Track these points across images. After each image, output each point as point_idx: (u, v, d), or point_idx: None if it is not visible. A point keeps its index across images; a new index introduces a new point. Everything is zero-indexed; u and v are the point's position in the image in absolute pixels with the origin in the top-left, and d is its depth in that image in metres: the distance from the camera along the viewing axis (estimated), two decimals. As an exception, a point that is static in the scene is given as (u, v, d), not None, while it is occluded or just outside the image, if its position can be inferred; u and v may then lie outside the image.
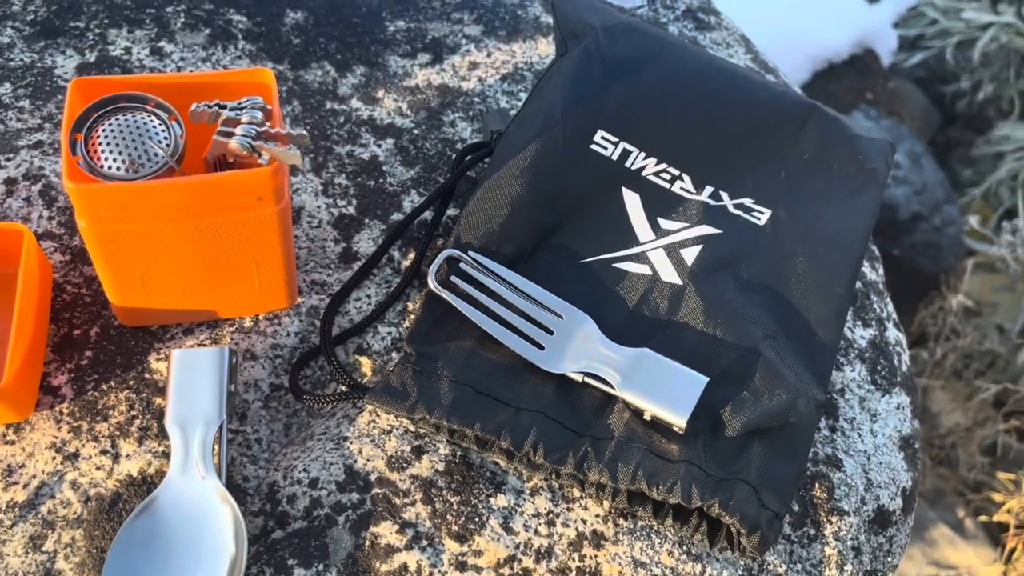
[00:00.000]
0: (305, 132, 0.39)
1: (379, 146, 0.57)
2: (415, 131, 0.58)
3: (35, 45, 0.57)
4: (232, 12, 0.61)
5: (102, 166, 0.40)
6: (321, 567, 0.43)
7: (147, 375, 0.47)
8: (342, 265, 0.52)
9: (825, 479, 0.50)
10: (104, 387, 0.46)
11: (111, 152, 0.40)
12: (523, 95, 0.61)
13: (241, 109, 0.39)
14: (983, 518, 1.17)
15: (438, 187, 0.54)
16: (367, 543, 0.44)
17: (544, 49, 0.64)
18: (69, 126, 0.39)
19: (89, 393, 0.46)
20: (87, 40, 0.58)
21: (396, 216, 0.54)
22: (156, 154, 0.40)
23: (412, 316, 0.51)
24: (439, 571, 0.43)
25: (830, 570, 0.49)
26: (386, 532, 0.44)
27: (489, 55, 0.63)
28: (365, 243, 0.53)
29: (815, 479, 0.50)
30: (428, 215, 0.54)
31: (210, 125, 0.41)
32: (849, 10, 1.46)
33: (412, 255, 0.53)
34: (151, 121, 0.40)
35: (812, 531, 0.49)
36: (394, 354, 0.50)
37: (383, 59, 0.61)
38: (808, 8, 1.39)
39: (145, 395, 0.46)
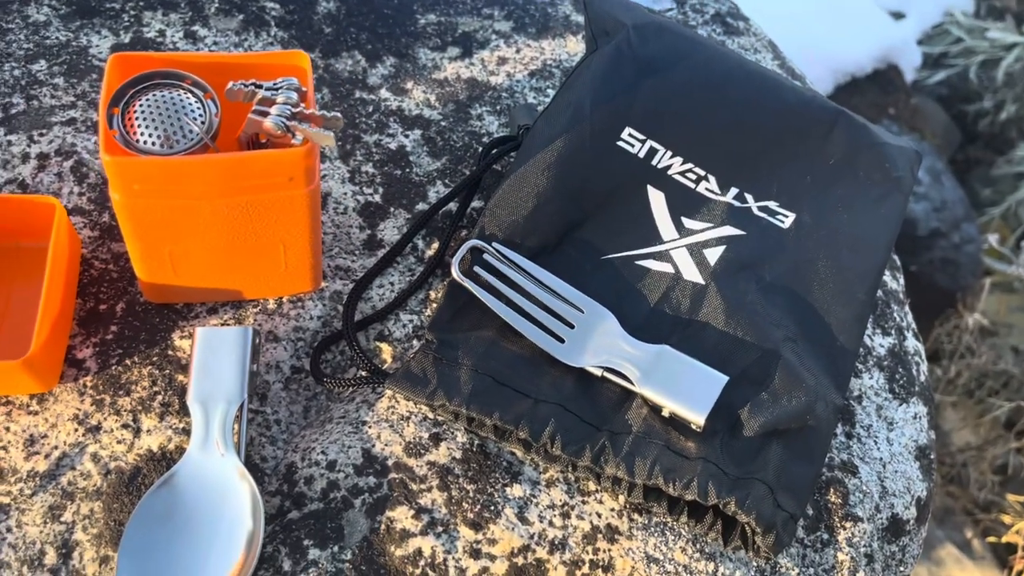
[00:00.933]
0: (339, 115, 0.40)
1: (406, 136, 0.57)
2: (442, 123, 0.58)
3: (71, 24, 0.58)
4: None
5: (138, 140, 0.40)
6: (336, 548, 0.43)
7: (170, 352, 0.47)
8: (366, 252, 0.52)
9: (840, 484, 0.50)
10: (128, 362, 0.47)
11: (147, 127, 0.40)
12: (551, 92, 0.61)
13: (277, 89, 0.40)
14: (991, 539, 1.16)
15: (464, 179, 0.54)
16: (383, 527, 0.44)
17: (573, 47, 0.64)
18: (107, 100, 0.40)
19: (113, 367, 0.47)
20: (122, 21, 0.59)
21: (421, 206, 0.55)
22: (191, 131, 0.40)
23: (434, 305, 0.51)
24: (453, 558, 0.43)
25: (842, 576, 0.48)
26: (402, 517, 0.44)
27: (518, 51, 0.63)
28: (390, 231, 0.53)
29: (830, 484, 0.50)
30: (453, 206, 0.54)
31: (245, 104, 0.41)
32: (874, 25, 1.46)
33: (436, 245, 0.53)
34: (187, 98, 0.41)
35: (825, 536, 0.49)
36: (415, 342, 0.50)
37: (413, 51, 0.62)
38: (833, 20, 1.39)
39: (168, 371, 0.47)
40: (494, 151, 0.55)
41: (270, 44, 0.60)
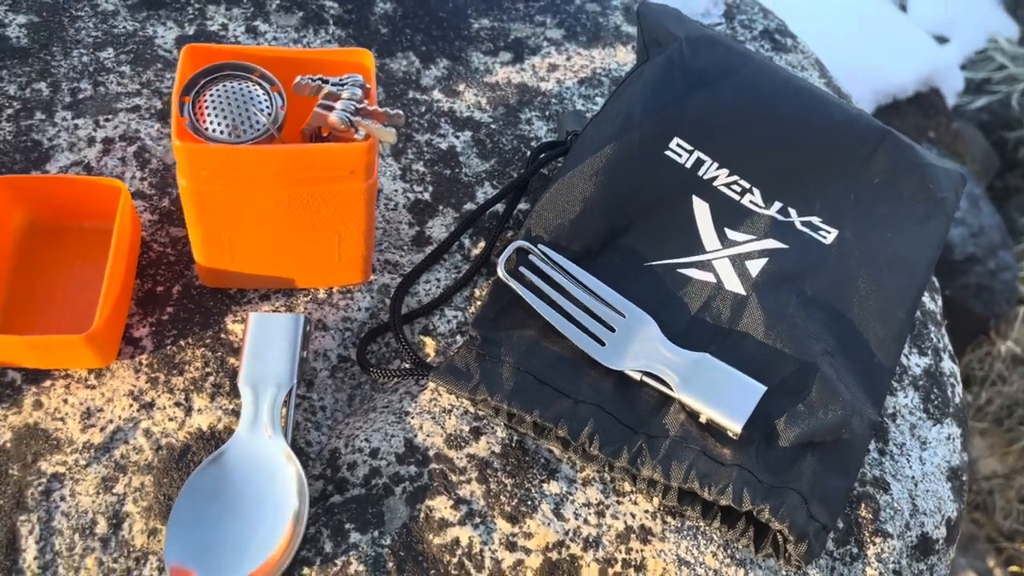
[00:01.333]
0: (401, 112, 0.41)
1: (457, 137, 0.58)
2: (492, 126, 0.60)
3: (138, 15, 0.60)
4: (325, -2, 0.63)
5: (207, 128, 0.42)
6: (376, 534, 0.44)
7: (223, 335, 0.49)
8: (414, 248, 0.54)
9: (871, 500, 0.51)
10: (182, 343, 0.48)
11: (216, 116, 0.42)
12: (599, 99, 0.62)
13: (342, 85, 0.41)
14: (1014, 568, 1.15)
15: (512, 181, 0.55)
16: (422, 515, 0.45)
17: (623, 57, 0.65)
18: (180, 89, 0.41)
19: (168, 347, 0.48)
20: (187, 14, 0.61)
21: (469, 206, 0.56)
22: (258, 121, 0.42)
23: (478, 302, 0.52)
24: (489, 549, 0.44)
25: (870, 591, 0.49)
26: (441, 506, 0.45)
27: (568, 58, 0.64)
28: (438, 229, 0.55)
29: (861, 499, 0.51)
30: (500, 207, 0.56)
31: (310, 99, 0.42)
32: (918, 48, 1.45)
33: (482, 244, 0.54)
34: (255, 90, 0.42)
35: (855, 550, 0.49)
36: (458, 337, 0.51)
37: (466, 54, 0.63)
38: (877, 41, 1.39)
39: (220, 354, 0.48)
40: (542, 155, 0.56)
41: (328, 42, 0.61)
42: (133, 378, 0.47)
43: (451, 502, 0.45)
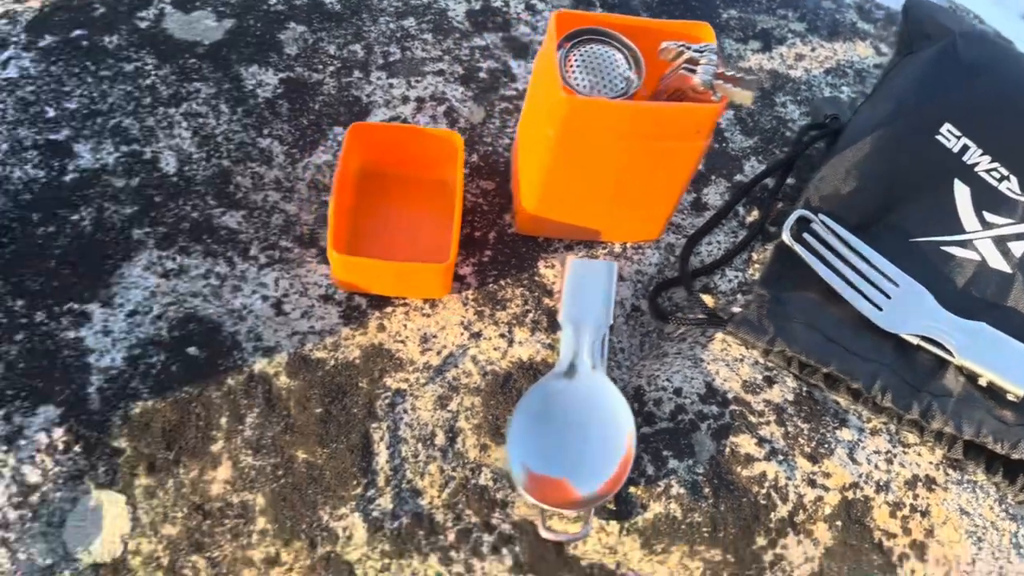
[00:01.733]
0: (758, 76, 0.45)
1: (722, 116, 0.63)
2: (752, 107, 0.64)
3: (429, -11, 0.66)
4: (591, -17, 0.68)
5: (573, 86, 0.46)
6: (691, 462, 0.48)
7: (536, 278, 0.54)
8: (693, 212, 0.58)
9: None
10: (501, 282, 0.53)
11: (581, 75, 0.46)
12: (845, 88, 0.66)
13: (701, 52, 0.46)
14: None
15: (781, 158, 0.59)
16: (727, 450, 0.49)
17: (862, 51, 0.69)
18: (554, 49, 0.46)
19: (489, 285, 0.53)
20: (472, -9, 0.66)
21: (738, 177, 0.60)
22: (616, 81, 0.46)
23: (756, 266, 0.56)
24: (793, 484, 0.48)
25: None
26: (744, 443, 0.49)
27: (813, 49, 0.68)
28: (712, 196, 0.59)
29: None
30: (768, 181, 0.60)
31: (660, 64, 0.47)
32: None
33: (755, 213, 0.58)
34: (616, 55, 0.47)
35: (1107, 518, 0.52)
36: (739, 296, 0.55)
37: (719, 40, 0.67)
38: None
39: (536, 294, 0.53)
40: (806, 136, 0.60)
41: (593, 23, 0.66)
42: (462, 310, 0.52)
43: (754, 440, 0.49)
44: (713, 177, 0.60)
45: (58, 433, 0.47)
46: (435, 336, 0.51)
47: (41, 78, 0.57)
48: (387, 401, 0.49)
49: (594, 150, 0.47)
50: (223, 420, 0.48)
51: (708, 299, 0.55)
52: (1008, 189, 0.58)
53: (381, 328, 0.51)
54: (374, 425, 0.49)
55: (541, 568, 0.46)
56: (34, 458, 0.47)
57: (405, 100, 0.59)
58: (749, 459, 0.49)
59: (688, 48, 0.46)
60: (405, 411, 0.49)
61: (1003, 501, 0.50)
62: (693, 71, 0.45)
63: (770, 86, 0.65)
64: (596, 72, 0.47)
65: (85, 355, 0.49)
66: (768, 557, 0.47)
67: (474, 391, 0.50)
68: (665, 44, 0.46)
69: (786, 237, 0.54)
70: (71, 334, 0.50)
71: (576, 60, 0.47)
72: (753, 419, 0.50)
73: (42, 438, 0.47)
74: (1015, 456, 0.48)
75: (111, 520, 0.46)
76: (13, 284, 0.51)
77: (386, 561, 0.46)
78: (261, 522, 0.46)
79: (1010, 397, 0.50)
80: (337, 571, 0.46)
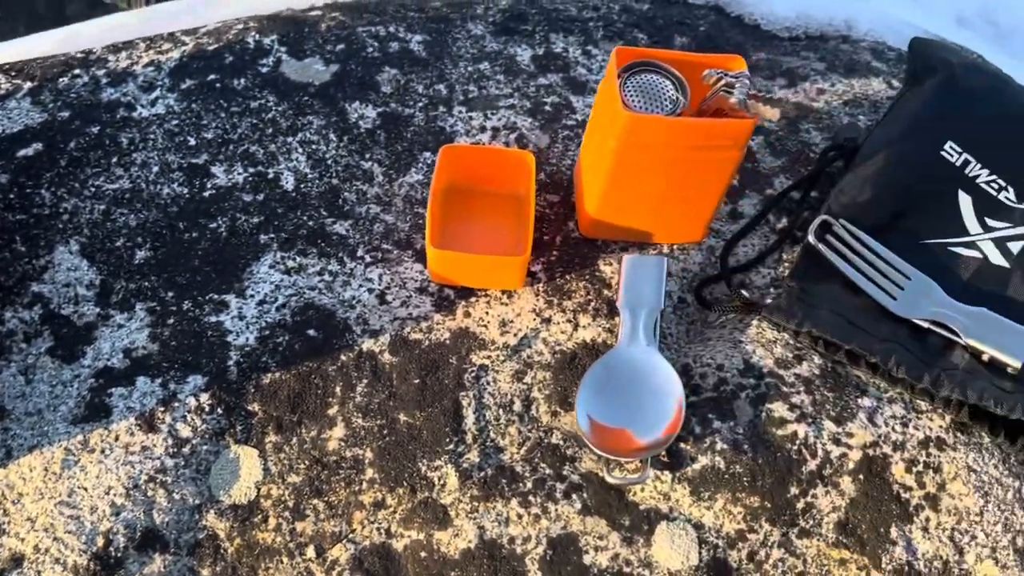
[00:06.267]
0: (782, 98, 0.55)
1: (752, 140, 0.73)
2: (779, 133, 0.73)
3: (499, 39, 0.77)
4: (637, 32, 0.79)
5: (631, 106, 0.56)
6: (732, 423, 0.57)
7: (597, 273, 0.63)
8: (730, 220, 0.67)
9: (1116, 445, 0.61)
10: (567, 277, 0.63)
11: (636, 97, 0.57)
12: (861, 116, 0.76)
13: (736, 77, 0.56)
14: None
15: (806, 174, 0.69)
16: (764, 414, 0.57)
17: (876, 86, 0.79)
18: (616, 76, 0.57)
19: (557, 280, 0.63)
20: (535, 39, 0.77)
21: (768, 191, 0.69)
22: (665, 104, 0.56)
23: (787, 264, 0.65)
24: (821, 442, 0.57)
25: (1117, 519, 0.59)
26: (778, 409, 0.58)
27: (832, 85, 0.78)
28: (747, 207, 0.68)
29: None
30: (795, 194, 0.69)
31: (702, 87, 0.57)
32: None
33: (784, 221, 0.68)
34: (664, 82, 0.57)
35: (1105, 483, 0.59)
36: (771, 289, 0.64)
37: (751, 79, 0.77)
38: None
39: (597, 287, 0.63)
40: (829, 155, 0.70)
41: (639, 65, 0.77)
42: (534, 300, 0.62)
43: (786, 407, 0.58)
44: (747, 191, 0.69)
45: (204, 398, 0.57)
46: (512, 321, 0.61)
47: (184, 113, 0.69)
48: (473, 374, 0.59)
49: (647, 160, 0.57)
50: (337, 389, 0.58)
51: (745, 293, 0.64)
52: (1006, 198, 0.66)
53: (467, 315, 0.61)
54: (462, 394, 0.58)
55: (605, 511, 0.55)
56: (186, 417, 0.57)
57: (483, 129, 0.70)
58: (782, 421, 0.57)
59: (726, 75, 0.56)
60: (488, 383, 0.59)
61: (1007, 461, 0.58)
62: (730, 93, 0.55)
63: (795, 115, 0.75)
64: (649, 96, 0.57)
65: (225, 335, 0.59)
66: (800, 505, 0.55)
67: (545, 367, 0.59)
68: (707, 71, 0.56)
69: (811, 238, 0.63)
70: (213, 319, 0.60)
71: (632, 86, 0.57)
72: (785, 389, 0.59)
73: (192, 401, 0.57)
74: (1013, 417, 0.55)
75: (247, 469, 0.56)
76: (165, 279, 0.61)
77: (475, 504, 0.55)
78: (370, 472, 0.56)
79: (1009, 370, 0.58)
80: (434, 512, 0.55)
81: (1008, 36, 1.92)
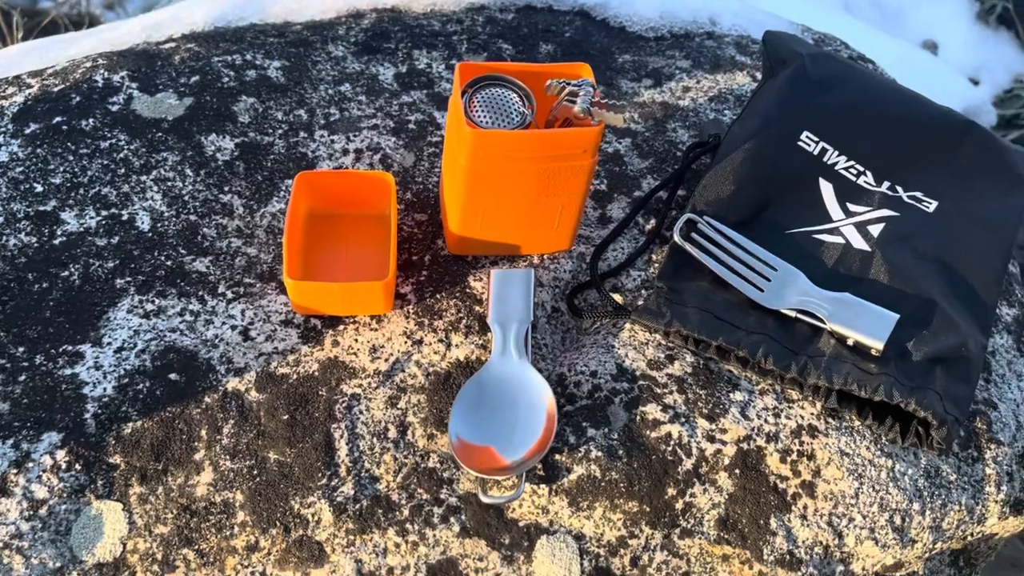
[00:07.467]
0: (625, 104, 0.55)
1: (620, 143, 0.73)
2: (646, 134, 0.74)
3: (361, 59, 0.76)
4: (502, 42, 0.79)
5: (477, 122, 0.56)
6: (606, 430, 0.57)
7: (467, 290, 0.62)
8: (599, 225, 0.67)
9: (984, 415, 0.62)
10: (438, 296, 0.62)
11: (483, 113, 0.56)
12: (727, 111, 0.77)
13: (579, 86, 0.55)
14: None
15: (671, 173, 0.69)
16: (638, 417, 0.57)
17: (740, 80, 0.80)
18: (460, 94, 0.56)
19: (427, 300, 0.62)
20: (398, 56, 0.76)
21: (637, 193, 0.70)
22: (512, 116, 0.56)
23: (656, 265, 0.66)
24: (695, 441, 0.57)
25: (989, 486, 0.60)
26: (652, 411, 0.58)
27: (698, 82, 0.79)
28: (615, 211, 0.68)
29: (976, 415, 0.62)
30: (662, 194, 0.69)
31: (548, 98, 0.57)
32: (954, 87, 1.60)
33: (653, 221, 0.68)
34: (511, 95, 0.57)
35: (975, 453, 0.61)
36: (643, 291, 0.64)
37: (616, 81, 0.78)
38: (916, 83, 1.55)
39: (467, 304, 0.62)
40: (692, 153, 0.70)
41: (506, 75, 0.76)
42: (404, 322, 0.61)
43: (659, 408, 0.58)
44: (615, 195, 0.69)
45: (60, 455, 0.55)
46: (383, 346, 0.60)
47: (29, 159, 0.66)
48: (344, 405, 0.57)
49: (499, 174, 0.56)
50: (203, 432, 0.56)
51: (617, 297, 0.64)
52: (865, 182, 0.68)
53: (335, 343, 0.60)
54: (334, 425, 0.57)
55: (484, 531, 0.54)
56: (41, 477, 0.54)
57: (345, 152, 0.69)
58: (656, 423, 0.57)
59: (568, 84, 0.56)
60: (360, 412, 0.57)
61: (878, 442, 0.59)
62: (574, 102, 0.55)
63: (662, 115, 0.76)
64: (496, 110, 0.56)
65: (80, 387, 0.57)
66: (679, 505, 0.55)
67: (419, 390, 0.58)
68: (550, 82, 0.56)
69: (676, 237, 0.63)
70: (67, 371, 0.57)
71: (478, 102, 0.56)
72: (658, 390, 0.59)
73: (47, 460, 0.55)
74: (876, 399, 0.56)
75: (110, 525, 0.53)
76: (14, 334, 0.59)
77: (351, 538, 0.54)
78: (241, 516, 0.54)
79: (873, 352, 0.59)
80: (309, 550, 0.53)
81: (892, 18, 1.98)
